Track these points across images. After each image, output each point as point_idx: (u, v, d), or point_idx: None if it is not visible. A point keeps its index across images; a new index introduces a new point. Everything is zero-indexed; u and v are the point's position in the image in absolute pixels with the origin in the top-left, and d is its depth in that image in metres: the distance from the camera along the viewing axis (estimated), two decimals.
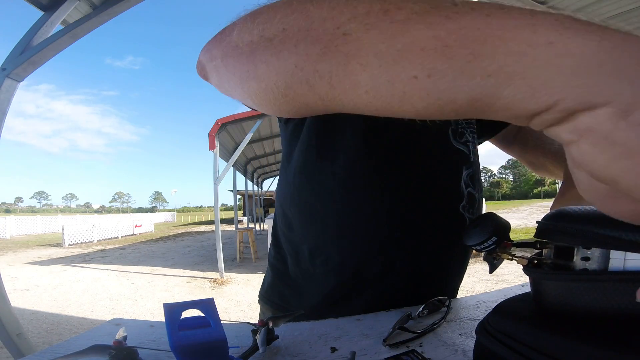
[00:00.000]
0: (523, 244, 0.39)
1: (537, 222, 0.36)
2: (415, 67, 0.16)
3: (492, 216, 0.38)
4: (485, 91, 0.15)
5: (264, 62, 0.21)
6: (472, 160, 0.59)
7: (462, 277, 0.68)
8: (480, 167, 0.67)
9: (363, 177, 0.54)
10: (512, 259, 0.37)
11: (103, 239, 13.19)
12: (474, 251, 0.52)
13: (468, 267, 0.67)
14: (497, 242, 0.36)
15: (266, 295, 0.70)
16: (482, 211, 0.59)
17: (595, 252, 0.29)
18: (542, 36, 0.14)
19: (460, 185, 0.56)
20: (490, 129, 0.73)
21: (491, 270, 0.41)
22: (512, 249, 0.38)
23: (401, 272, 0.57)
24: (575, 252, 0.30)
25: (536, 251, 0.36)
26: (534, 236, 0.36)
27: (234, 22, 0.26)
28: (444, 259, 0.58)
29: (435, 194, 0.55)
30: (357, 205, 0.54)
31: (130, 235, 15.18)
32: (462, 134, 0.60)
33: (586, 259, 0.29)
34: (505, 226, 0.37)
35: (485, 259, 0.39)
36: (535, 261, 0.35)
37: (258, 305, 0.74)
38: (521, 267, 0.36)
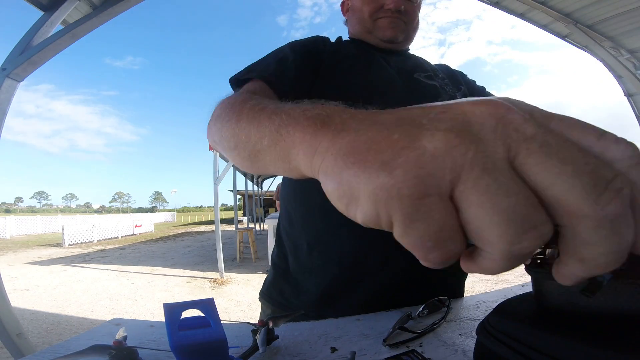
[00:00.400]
0: None
1: None
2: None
3: None
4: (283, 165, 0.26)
5: (222, 150, 0.40)
6: None
7: (465, 275, 0.68)
8: None
9: None
10: None
11: (103, 239, 13.19)
12: None
13: None
14: None
15: (267, 293, 0.71)
16: None
17: None
18: (299, 153, 0.23)
19: None
20: None
21: None
22: None
23: (398, 264, 0.57)
24: None
25: (539, 250, 0.36)
26: None
27: (210, 119, 0.45)
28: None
29: None
30: None
31: (130, 235, 15.17)
32: None
33: None
34: None
35: None
36: (539, 260, 0.35)
37: (258, 305, 0.75)
38: (522, 266, 0.36)
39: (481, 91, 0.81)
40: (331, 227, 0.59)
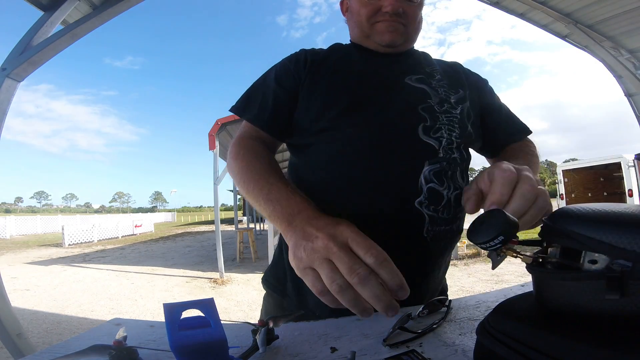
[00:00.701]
0: (529, 242, 0.38)
1: (542, 220, 0.36)
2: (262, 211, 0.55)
3: (499, 213, 0.36)
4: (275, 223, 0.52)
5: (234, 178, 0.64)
6: (440, 156, 0.58)
7: (434, 278, 0.65)
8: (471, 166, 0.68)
9: (334, 172, 0.61)
10: (516, 257, 0.36)
11: (103, 239, 13.19)
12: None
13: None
14: (503, 242, 0.35)
15: (265, 277, 0.77)
16: (462, 212, 0.60)
17: (602, 256, 0.29)
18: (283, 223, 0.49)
19: (419, 180, 0.56)
20: (492, 151, 0.78)
21: (494, 267, 0.41)
22: (517, 246, 0.38)
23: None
24: (582, 254, 0.30)
25: (539, 249, 0.36)
26: (538, 235, 0.36)
27: (229, 156, 0.66)
28: (398, 253, 0.54)
29: (391, 187, 0.57)
30: (339, 187, 0.60)
31: (130, 235, 15.17)
32: (438, 129, 0.60)
33: (593, 261, 0.29)
34: (513, 224, 0.35)
35: (489, 256, 0.39)
36: (540, 260, 0.35)
37: (258, 305, 0.78)
38: (523, 266, 0.36)
39: (484, 91, 0.77)
40: None
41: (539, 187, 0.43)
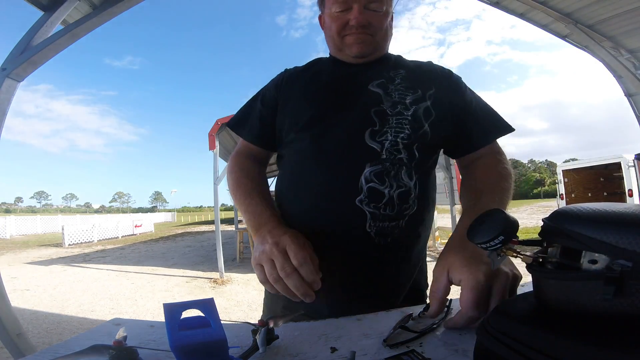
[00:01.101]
0: (529, 242, 0.38)
1: (542, 220, 0.36)
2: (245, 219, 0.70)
3: (499, 213, 0.36)
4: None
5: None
6: (383, 158, 0.63)
7: (398, 270, 0.68)
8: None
9: (293, 181, 0.73)
10: (516, 257, 0.36)
11: (103, 239, 13.18)
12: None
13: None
14: (503, 242, 0.35)
15: None
16: (415, 208, 0.65)
17: (602, 256, 0.29)
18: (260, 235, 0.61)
19: (359, 180, 0.62)
20: (453, 153, 0.79)
21: (494, 267, 0.41)
22: (517, 246, 0.38)
23: (350, 266, 0.66)
24: (582, 254, 0.30)
25: (539, 249, 0.36)
26: (538, 235, 0.36)
27: (228, 172, 0.81)
28: (345, 247, 0.64)
29: (335, 186, 0.64)
30: (295, 193, 0.71)
31: (130, 235, 15.17)
32: (384, 132, 0.65)
33: (593, 261, 0.29)
34: (513, 224, 0.35)
35: (489, 256, 0.39)
36: (540, 260, 0.35)
37: (258, 305, 0.81)
38: (523, 266, 0.36)
39: (458, 96, 0.75)
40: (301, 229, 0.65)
41: (511, 279, 0.49)
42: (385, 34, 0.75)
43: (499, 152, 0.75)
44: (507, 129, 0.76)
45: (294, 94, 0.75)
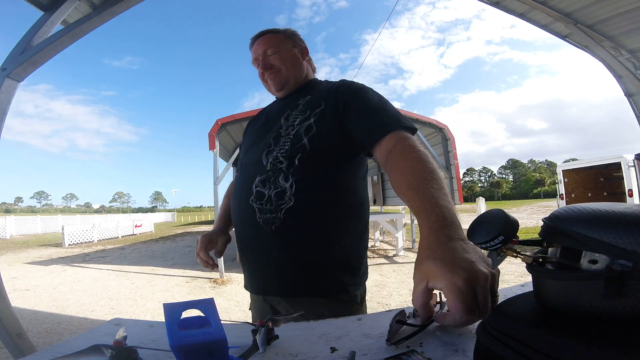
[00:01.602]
0: (529, 242, 0.38)
1: (542, 220, 0.36)
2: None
3: (499, 213, 0.36)
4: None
5: None
6: (268, 169, 0.83)
7: (299, 248, 0.80)
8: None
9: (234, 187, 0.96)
10: (516, 257, 0.36)
11: (103, 239, 13.19)
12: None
13: None
14: (503, 242, 0.35)
15: None
16: (291, 203, 0.78)
17: (602, 256, 0.29)
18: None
19: (252, 186, 0.83)
20: (357, 153, 0.86)
21: (494, 266, 0.41)
22: (517, 246, 0.37)
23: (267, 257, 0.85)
24: (582, 254, 0.30)
25: (539, 249, 0.36)
26: (539, 235, 0.36)
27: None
28: (250, 233, 0.86)
29: (240, 191, 0.88)
30: (236, 200, 0.92)
31: (130, 235, 15.17)
32: (272, 151, 0.84)
33: (593, 261, 0.29)
34: (513, 224, 0.35)
35: (489, 256, 0.39)
36: (540, 260, 0.35)
37: None
38: (523, 266, 0.36)
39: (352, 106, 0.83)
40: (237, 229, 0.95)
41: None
42: (292, 66, 0.95)
43: (401, 138, 0.71)
44: (391, 125, 0.74)
45: (250, 130, 1.05)
